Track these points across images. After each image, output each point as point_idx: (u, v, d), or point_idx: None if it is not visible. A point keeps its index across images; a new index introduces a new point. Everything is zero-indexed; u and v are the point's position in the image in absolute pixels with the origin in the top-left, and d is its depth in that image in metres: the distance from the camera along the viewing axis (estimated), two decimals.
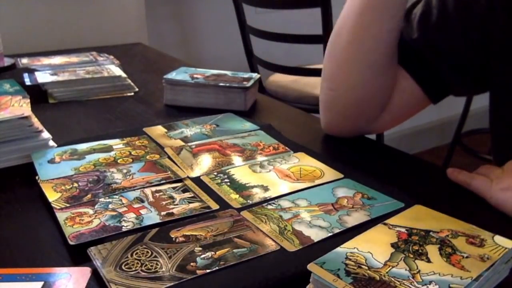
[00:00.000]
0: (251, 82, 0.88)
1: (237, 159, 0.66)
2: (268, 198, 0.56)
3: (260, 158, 0.66)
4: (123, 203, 0.54)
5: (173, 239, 0.48)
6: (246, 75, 0.92)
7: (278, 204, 0.54)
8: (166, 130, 0.75)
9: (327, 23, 1.47)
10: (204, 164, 0.64)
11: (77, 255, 0.46)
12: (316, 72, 1.42)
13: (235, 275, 0.43)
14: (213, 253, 0.45)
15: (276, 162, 0.65)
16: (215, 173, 0.62)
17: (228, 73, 0.93)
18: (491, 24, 0.64)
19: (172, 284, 0.41)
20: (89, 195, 0.55)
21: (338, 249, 0.42)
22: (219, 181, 0.60)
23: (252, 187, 0.58)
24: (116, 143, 0.70)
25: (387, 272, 0.39)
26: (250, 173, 0.62)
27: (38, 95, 0.90)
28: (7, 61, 1.14)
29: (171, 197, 0.56)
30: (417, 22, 0.69)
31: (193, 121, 0.79)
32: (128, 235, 0.48)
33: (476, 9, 0.65)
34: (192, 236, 0.48)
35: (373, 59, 0.67)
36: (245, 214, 0.52)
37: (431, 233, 0.45)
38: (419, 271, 0.39)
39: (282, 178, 0.61)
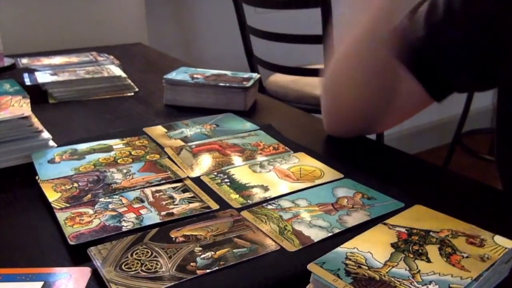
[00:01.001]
0: (251, 82, 0.88)
1: (237, 159, 0.66)
2: (268, 198, 0.56)
3: (260, 158, 0.66)
4: (123, 203, 0.54)
5: (173, 239, 0.48)
6: (246, 75, 0.92)
7: (278, 204, 0.54)
8: (166, 130, 0.75)
9: (327, 23, 1.47)
10: (204, 164, 0.64)
11: (77, 255, 0.46)
12: (316, 72, 1.42)
13: (235, 275, 0.43)
14: (213, 253, 0.45)
15: (276, 162, 0.65)
16: (215, 173, 0.62)
17: (228, 73, 0.93)
18: (499, 21, 0.64)
19: (172, 284, 0.41)
20: (89, 195, 0.55)
21: (338, 249, 0.42)
22: (219, 181, 0.60)
23: (252, 187, 0.58)
24: (116, 143, 0.70)
25: (387, 272, 0.39)
26: (250, 173, 0.62)
27: (38, 95, 0.90)
28: (7, 61, 1.14)
29: (171, 197, 0.56)
30: (423, 20, 0.69)
31: (193, 121, 0.79)
32: (128, 235, 0.48)
33: (483, 6, 0.65)
34: (192, 236, 0.48)
35: (368, 77, 0.70)
36: (245, 214, 0.52)
37: (431, 233, 0.44)
38: (419, 271, 0.39)
39: (282, 178, 0.61)
